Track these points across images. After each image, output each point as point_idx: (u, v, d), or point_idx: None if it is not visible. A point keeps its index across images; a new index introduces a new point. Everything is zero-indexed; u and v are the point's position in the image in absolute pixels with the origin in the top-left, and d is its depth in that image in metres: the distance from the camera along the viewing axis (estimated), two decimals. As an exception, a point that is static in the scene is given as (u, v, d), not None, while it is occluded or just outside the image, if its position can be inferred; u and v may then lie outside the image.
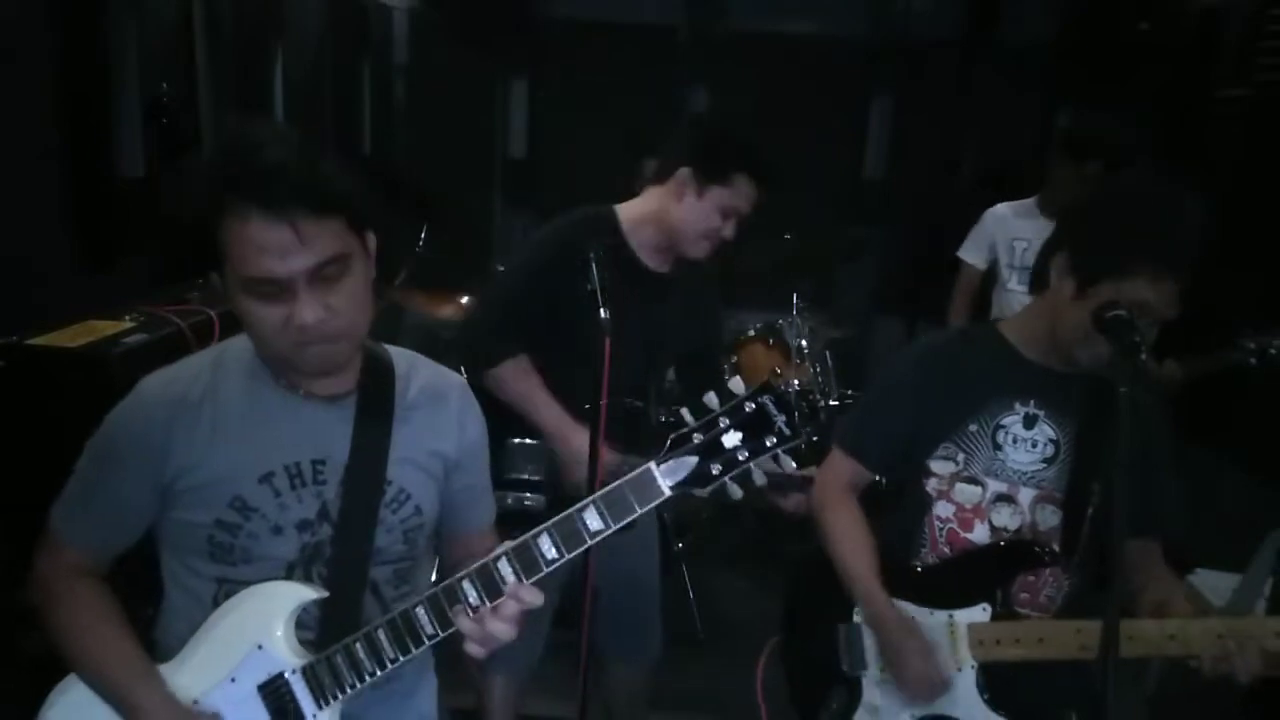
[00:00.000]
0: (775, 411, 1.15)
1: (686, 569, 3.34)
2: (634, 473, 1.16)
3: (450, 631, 1.19)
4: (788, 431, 1.15)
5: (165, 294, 2.62)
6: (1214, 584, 2.54)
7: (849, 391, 3.52)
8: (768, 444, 1.15)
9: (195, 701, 1.24)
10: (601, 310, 1.75)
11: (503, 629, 1.16)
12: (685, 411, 1.17)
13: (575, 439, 1.95)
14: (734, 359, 3.51)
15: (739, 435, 1.15)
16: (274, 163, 1.12)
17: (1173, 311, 1.48)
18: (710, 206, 1.98)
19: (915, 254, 3.69)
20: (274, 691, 1.23)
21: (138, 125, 3.02)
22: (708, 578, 3.48)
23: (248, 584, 1.25)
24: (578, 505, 1.17)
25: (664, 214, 2.03)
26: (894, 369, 1.81)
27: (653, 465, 1.15)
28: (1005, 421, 1.65)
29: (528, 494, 2.09)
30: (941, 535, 1.71)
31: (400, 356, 1.37)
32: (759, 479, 1.18)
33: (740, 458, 1.15)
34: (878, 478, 1.82)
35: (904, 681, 1.63)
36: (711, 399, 1.16)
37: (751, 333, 3.67)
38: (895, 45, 5.03)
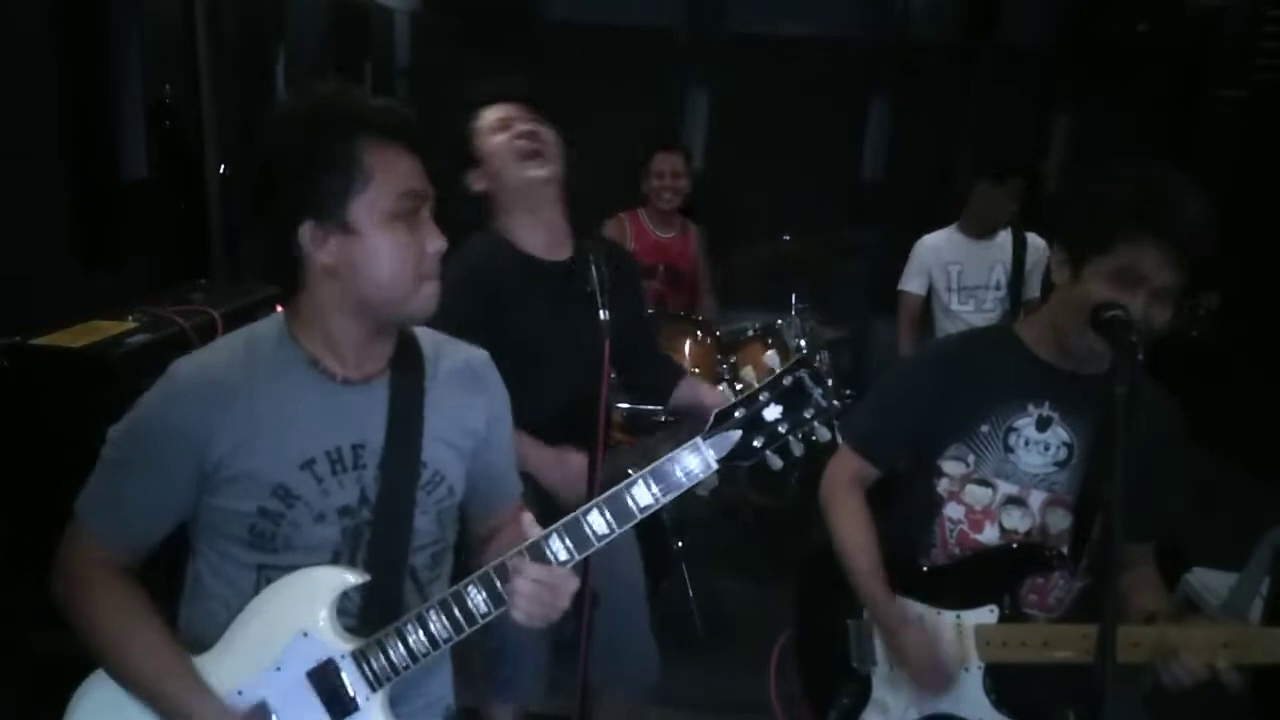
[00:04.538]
0: (812, 385, 1.22)
1: (686, 568, 3.35)
2: (681, 448, 1.21)
3: (503, 609, 1.20)
4: (824, 403, 1.22)
5: (168, 294, 2.63)
6: (1211, 583, 2.55)
7: (847, 391, 3.53)
8: (806, 415, 1.22)
9: (239, 692, 1.22)
10: (601, 311, 1.76)
11: (557, 597, 1.20)
12: (724, 387, 1.23)
13: (560, 465, 1.89)
14: (733, 359, 3.52)
15: (779, 409, 1.21)
16: (393, 103, 1.26)
17: (1174, 282, 1.45)
18: (487, 138, 1.97)
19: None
20: (324, 677, 1.22)
21: (140, 128, 3.04)
22: (707, 577, 3.48)
23: (290, 569, 1.23)
24: (627, 480, 1.21)
25: (492, 182, 2.00)
26: (906, 369, 1.83)
27: (700, 440, 1.20)
28: (1018, 424, 1.64)
29: None
30: (952, 536, 1.71)
31: (425, 335, 1.38)
32: (797, 449, 1.23)
33: (781, 430, 1.21)
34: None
35: (911, 673, 1.63)
36: (749, 374, 1.22)
37: (750, 333, 3.67)
38: (893, 48, 5.05)
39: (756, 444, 1.22)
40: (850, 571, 1.70)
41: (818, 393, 1.22)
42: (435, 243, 1.24)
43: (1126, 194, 1.46)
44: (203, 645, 1.24)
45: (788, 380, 1.21)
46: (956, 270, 3.50)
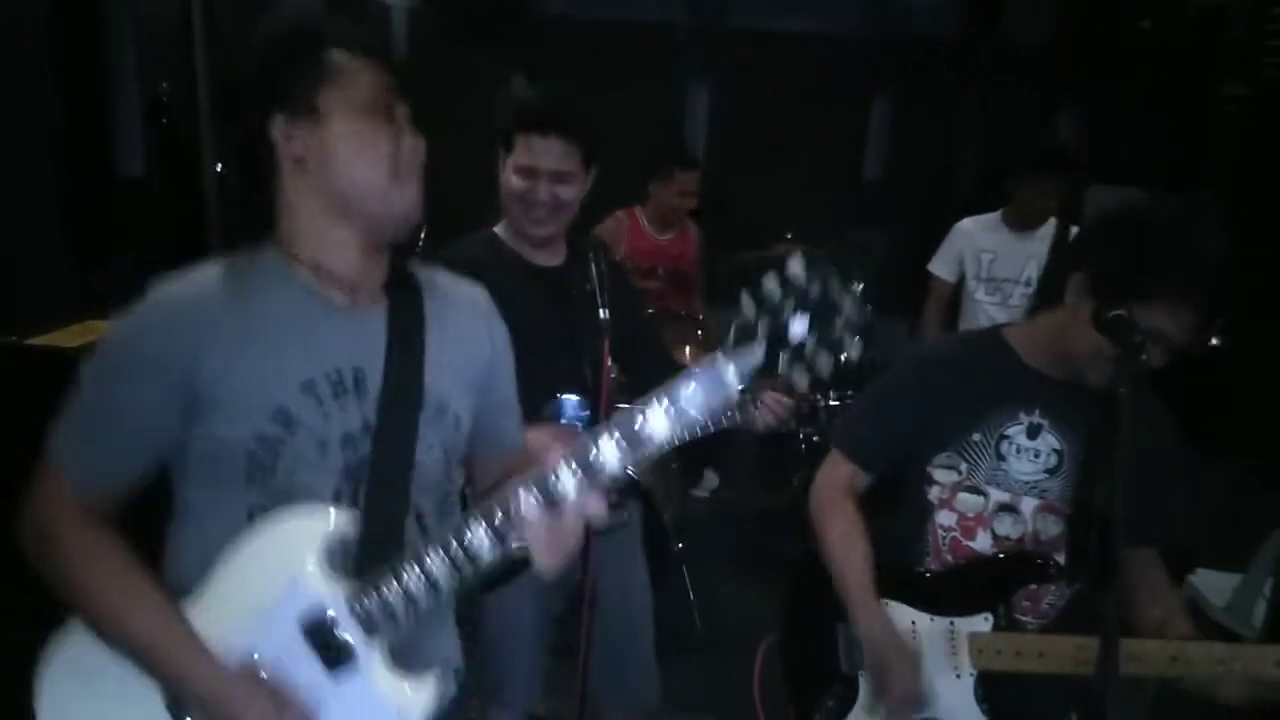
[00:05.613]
0: (840, 293, 1.07)
1: (686, 570, 3.34)
2: (696, 364, 1.07)
3: (507, 549, 1.09)
4: (856, 316, 1.08)
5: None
6: (1214, 584, 2.54)
7: (849, 391, 3.52)
8: (837, 326, 1.07)
9: (225, 646, 1.11)
10: (601, 310, 1.75)
11: (568, 532, 1.10)
12: (745, 298, 1.08)
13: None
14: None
15: (805, 320, 1.06)
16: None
17: (1190, 343, 1.45)
18: (508, 173, 1.96)
19: (914, 255, 3.71)
20: (315, 626, 1.11)
21: (137, 125, 3.03)
22: (707, 578, 3.48)
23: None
24: (640, 402, 1.07)
25: (500, 197, 2.02)
26: (896, 373, 1.78)
27: (720, 355, 1.06)
28: (1009, 431, 1.63)
29: None
30: (945, 543, 1.69)
31: (419, 267, 1.32)
32: (825, 368, 1.08)
33: (808, 346, 1.06)
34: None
35: (885, 692, 1.61)
36: (772, 283, 1.07)
37: (751, 332, 3.66)
38: (895, 45, 5.03)
39: (782, 360, 1.05)
40: (838, 578, 1.67)
41: (847, 301, 1.06)
42: (412, 140, 1.18)
43: (1167, 253, 1.44)
44: (186, 595, 1.13)
45: (815, 289, 1.05)
46: (989, 259, 3.38)
